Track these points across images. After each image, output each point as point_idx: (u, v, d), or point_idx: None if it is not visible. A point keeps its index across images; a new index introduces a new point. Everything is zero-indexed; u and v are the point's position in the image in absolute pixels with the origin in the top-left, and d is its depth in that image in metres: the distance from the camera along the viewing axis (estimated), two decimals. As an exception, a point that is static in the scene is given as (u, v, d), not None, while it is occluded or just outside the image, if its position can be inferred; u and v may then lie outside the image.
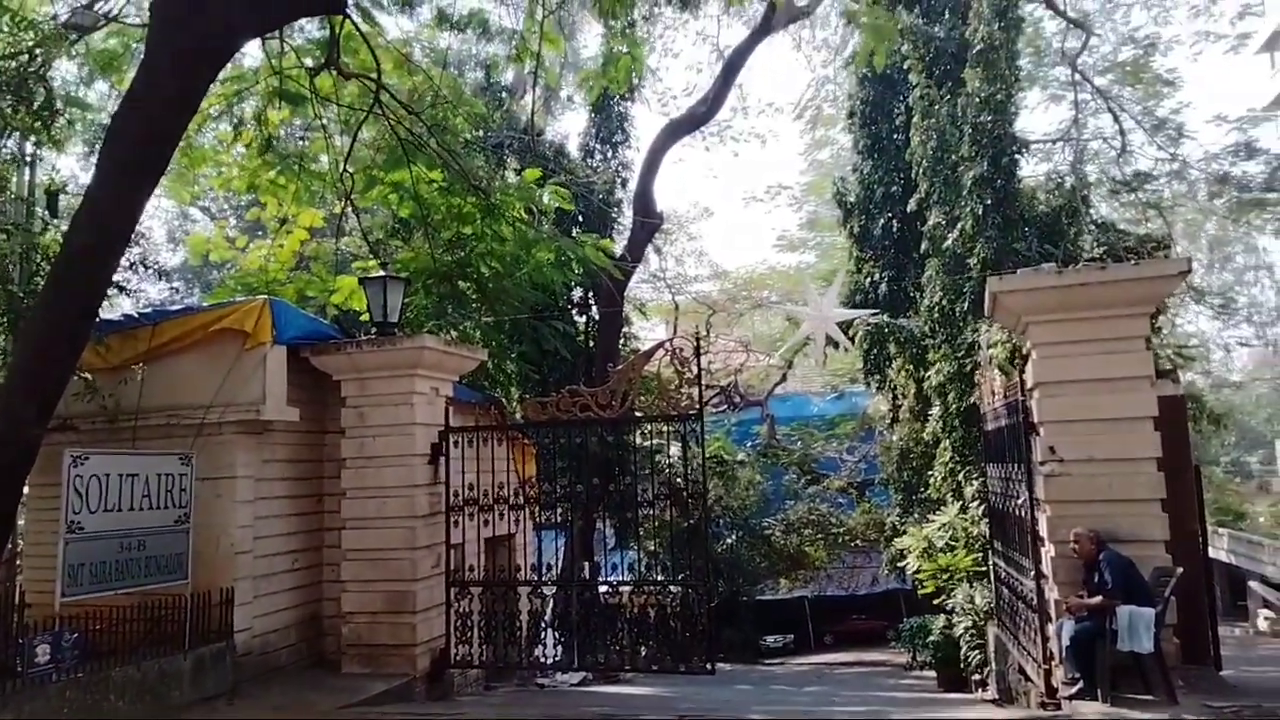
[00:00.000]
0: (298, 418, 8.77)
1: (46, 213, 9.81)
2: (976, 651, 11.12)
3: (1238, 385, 34.42)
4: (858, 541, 24.75)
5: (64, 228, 9.69)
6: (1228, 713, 5.70)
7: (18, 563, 9.99)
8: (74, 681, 6.53)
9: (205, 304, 9.69)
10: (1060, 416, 6.85)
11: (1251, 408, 37.07)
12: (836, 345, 13.02)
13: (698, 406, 8.54)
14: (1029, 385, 7.18)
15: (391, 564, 8.63)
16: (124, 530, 7.26)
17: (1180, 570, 6.24)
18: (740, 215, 68.04)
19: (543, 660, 9.11)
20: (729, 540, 22.91)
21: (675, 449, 9.85)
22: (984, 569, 11.75)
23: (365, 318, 11.35)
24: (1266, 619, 20.36)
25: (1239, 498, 30.69)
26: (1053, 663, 6.74)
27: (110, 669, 6.78)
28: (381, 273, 10.03)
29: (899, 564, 17.42)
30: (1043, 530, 6.99)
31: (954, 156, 13.92)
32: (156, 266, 10.21)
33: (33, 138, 9.48)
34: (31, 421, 6.96)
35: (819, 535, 24.78)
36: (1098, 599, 6.13)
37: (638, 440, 10.50)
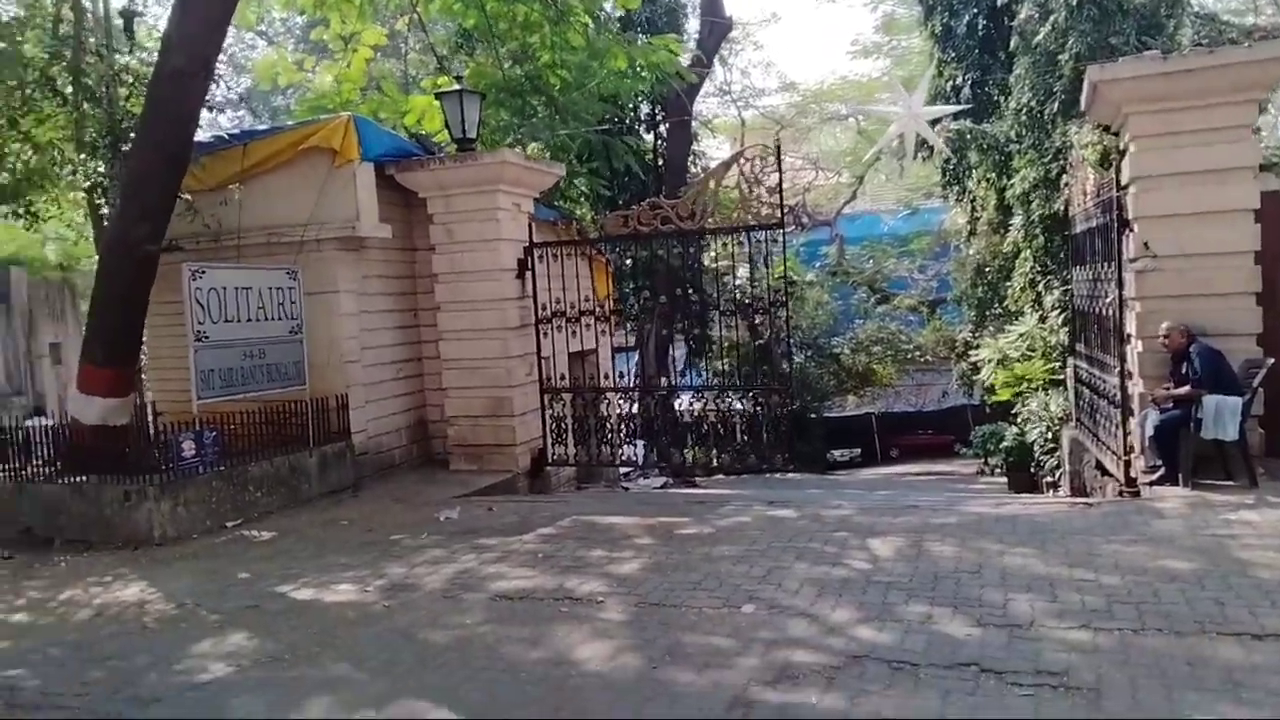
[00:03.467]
0: (390, 234, 9.07)
1: (125, 35, 9.92)
2: (1049, 455, 11.43)
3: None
4: (927, 358, 24.92)
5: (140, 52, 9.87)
6: (1307, 493, 5.89)
7: (143, 375, 10.83)
8: (218, 474, 7.26)
9: (291, 124, 9.82)
10: (1156, 211, 6.71)
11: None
12: (927, 145, 12.63)
13: (779, 216, 8.54)
14: (1125, 180, 7.00)
15: (488, 372, 9.12)
16: (244, 339, 7.79)
17: (1271, 361, 6.28)
18: (810, 19, 63.96)
19: (635, 460, 9.65)
20: (798, 360, 23.26)
21: (746, 270, 9.89)
22: (1060, 378, 11.85)
23: (440, 137, 11.40)
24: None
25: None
26: (1133, 454, 6.95)
27: (248, 463, 7.49)
28: (457, 87, 9.97)
29: (971, 377, 17.60)
30: (1130, 327, 7.02)
31: (1049, -58, 12.85)
32: (235, 91, 10.34)
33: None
34: (145, 239, 7.39)
35: (888, 353, 24.99)
36: (1185, 389, 6.23)
37: (713, 254, 10.58)
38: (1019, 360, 12.88)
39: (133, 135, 8.24)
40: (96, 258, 9.45)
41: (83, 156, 9.11)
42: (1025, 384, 12.74)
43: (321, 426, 8.20)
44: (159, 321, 9.07)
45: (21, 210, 10.24)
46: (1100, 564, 4.79)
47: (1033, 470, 12.09)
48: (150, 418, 7.74)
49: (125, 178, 7.92)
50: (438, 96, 10.41)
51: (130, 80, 9.10)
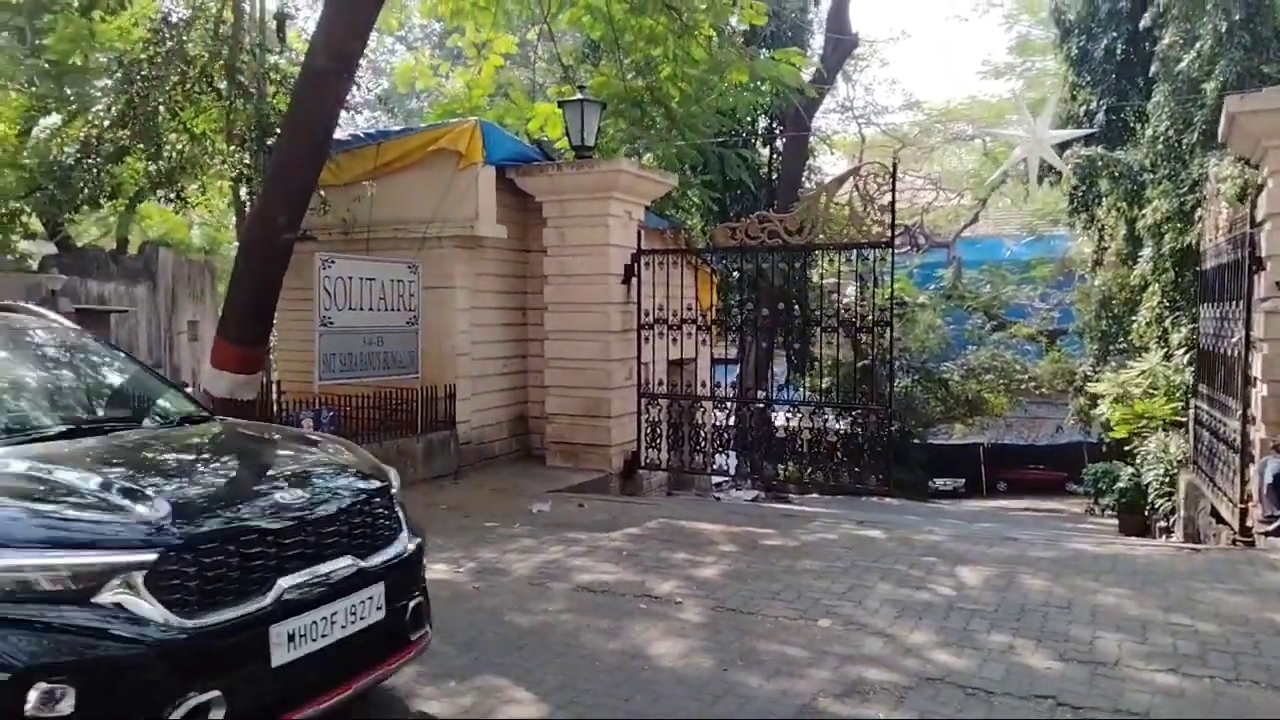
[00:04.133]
0: (505, 235, 9.44)
1: (277, 36, 10.64)
2: (1165, 499, 10.88)
3: None
4: (1043, 391, 23.95)
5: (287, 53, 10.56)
6: None
7: (271, 355, 11.56)
8: (332, 451, 7.70)
9: (422, 125, 10.33)
10: (1293, 250, 6.37)
11: None
12: (1052, 171, 12.23)
13: (889, 235, 8.47)
14: (1260, 217, 6.67)
15: (589, 373, 9.36)
16: (365, 327, 8.26)
17: None
18: (940, 38, 62.56)
19: (726, 470, 9.72)
20: (904, 382, 22.76)
21: (855, 291, 9.81)
22: (1182, 419, 11.27)
23: (561, 144, 11.76)
24: None
25: None
26: (1249, 502, 6.60)
27: (361, 443, 7.90)
28: (579, 96, 10.29)
29: (1089, 413, 16.86)
30: (1255, 370, 6.67)
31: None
32: (373, 92, 10.94)
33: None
34: (284, 227, 7.91)
35: (1001, 382, 24.15)
36: (1311, 438, 5.90)
37: (821, 271, 10.55)
38: (1140, 398, 12.32)
39: (278, 130, 8.85)
40: (236, 243, 10.16)
41: (231, 148, 9.81)
42: (1145, 423, 12.17)
43: (430, 414, 8.60)
44: (288, 306, 9.64)
45: (173, 195, 11.09)
46: (1199, 610, 4.60)
47: (1146, 514, 11.53)
48: (275, 395, 8.27)
49: (269, 169, 8.51)
50: (560, 104, 10.76)
51: (279, 78, 9.75)
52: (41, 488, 2.84)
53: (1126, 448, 12.58)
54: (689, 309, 9.54)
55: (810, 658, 4.07)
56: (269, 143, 9.24)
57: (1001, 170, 17.56)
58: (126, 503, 2.82)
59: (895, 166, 8.61)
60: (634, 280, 9.50)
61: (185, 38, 9.70)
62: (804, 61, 14.34)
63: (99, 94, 10.86)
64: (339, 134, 9.62)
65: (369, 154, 9.42)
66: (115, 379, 4.34)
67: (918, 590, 5.10)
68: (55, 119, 11.72)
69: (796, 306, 12.22)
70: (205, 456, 3.73)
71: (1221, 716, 3.46)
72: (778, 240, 8.89)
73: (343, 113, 8.82)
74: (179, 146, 10.26)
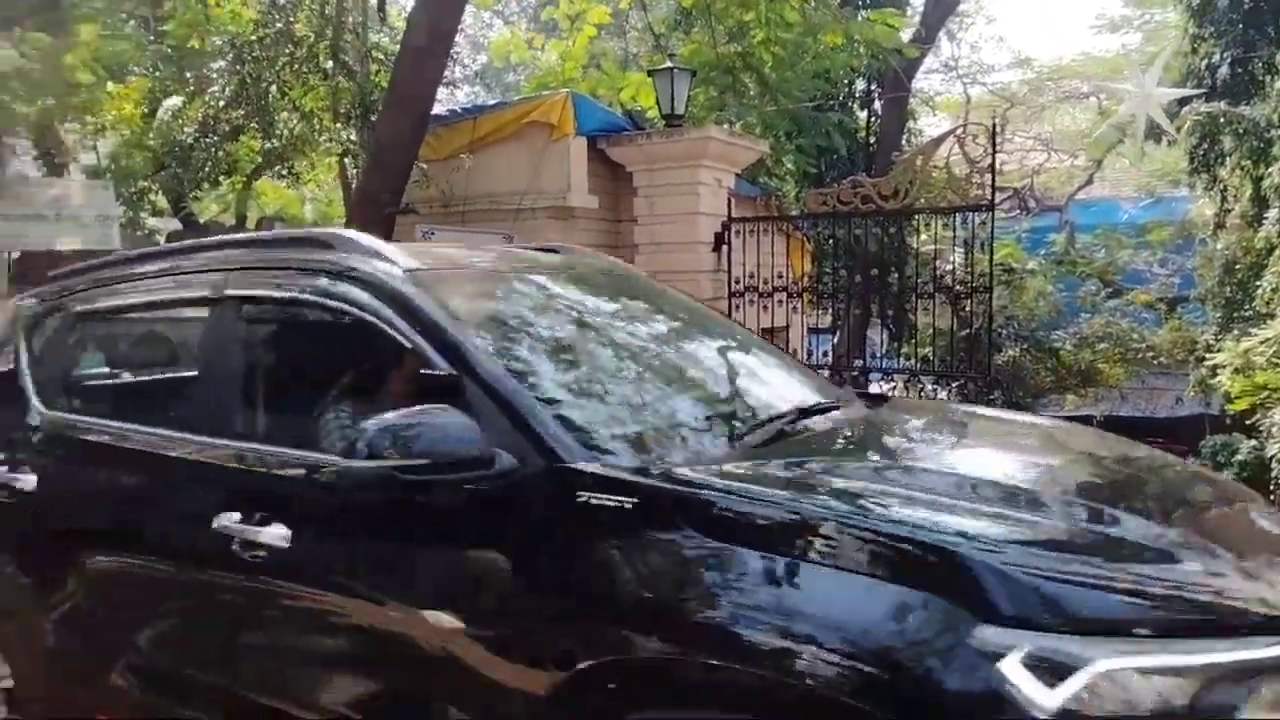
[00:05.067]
0: (596, 205, 9.58)
1: (379, 15, 11.02)
2: (1288, 475, 10.31)
3: None
4: (1161, 360, 22.78)
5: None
6: None
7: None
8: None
9: (515, 99, 10.55)
10: None
11: None
12: (1160, 133, 11.61)
13: (989, 198, 8.22)
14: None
15: (679, 341, 9.42)
16: (461, 296, 8.54)
17: None
18: (1053, -8, 59.21)
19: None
20: (1012, 352, 21.98)
21: (956, 256, 9.53)
22: (1311, 389, 10.63)
23: (653, 113, 11.79)
24: None
25: None
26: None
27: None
28: (669, 64, 10.29)
29: (1210, 382, 16.01)
30: (1389, 336, 6.25)
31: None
32: (473, 66, 11.21)
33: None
34: (388, 201, 8.27)
35: (1116, 351, 23.09)
36: None
37: (919, 236, 10.30)
38: (1264, 368, 11.64)
39: (380, 107, 9.19)
40: (344, 217, 10.63)
41: (338, 125, 10.25)
42: (1268, 394, 11.51)
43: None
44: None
45: (286, 172, 11.67)
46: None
47: (1271, 490, 10.96)
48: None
49: (373, 144, 8.87)
50: (650, 74, 10.79)
51: (381, 57, 10.12)
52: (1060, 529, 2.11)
53: (1249, 420, 11.93)
54: (780, 276, 9.49)
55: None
56: (372, 119, 9.61)
57: (1107, 126, 16.65)
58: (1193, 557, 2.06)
59: (995, 126, 8.35)
60: (724, 248, 9.50)
61: (292, 18, 10.15)
62: (902, 22, 13.89)
63: (215, 75, 11.49)
64: (437, 109, 9.93)
65: (465, 128, 9.67)
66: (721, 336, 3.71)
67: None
68: (176, 101, 12.47)
69: (893, 273, 11.92)
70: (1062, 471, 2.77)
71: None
72: (871, 205, 8.74)
73: (441, 88, 9.10)
74: (290, 125, 10.77)
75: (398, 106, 8.26)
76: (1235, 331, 14.59)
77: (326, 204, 18.29)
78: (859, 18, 13.26)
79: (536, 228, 9.32)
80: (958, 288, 8.63)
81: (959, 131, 8.50)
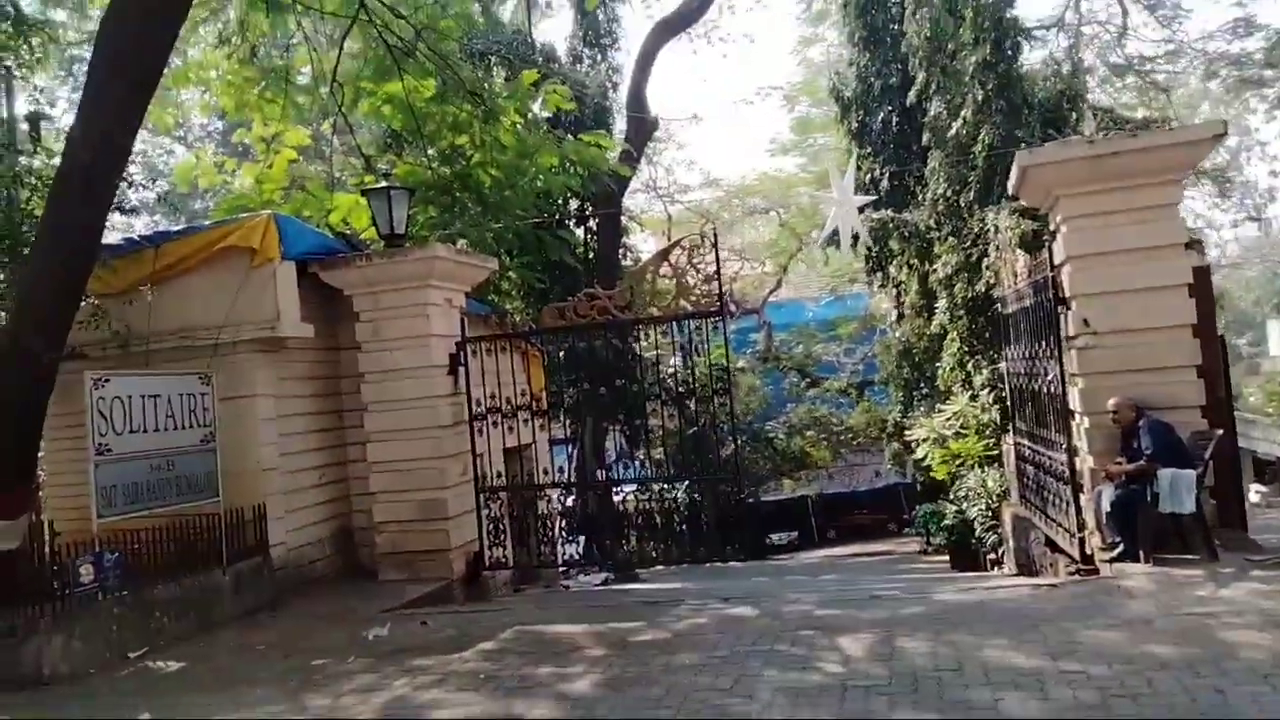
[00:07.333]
0: (312, 334, 8.65)
1: (31, 136, 9.49)
2: (990, 532, 11.39)
3: (1235, 265, 34.60)
4: (858, 440, 25.11)
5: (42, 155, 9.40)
6: (1269, 564, 5.81)
7: (40, 493, 9.98)
8: (119, 599, 6.56)
9: (207, 224, 9.42)
10: (1093, 289, 6.80)
11: (1240, 290, 37.32)
12: (857, 238, 12.83)
13: (718, 303, 8.45)
14: (1059, 260, 7.10)
15: (420, 473, 8.63)
16: (152, 451, 7.19)
17: (1219, 432, 6.30)
18: (730, 120, 66.55)
19: (577, 558, 9.21)
20: (733, 446, 23.08)
21: (678, 361, 9.76)
22: (995, 454, 11.93)
23: (367, 234, 11.10)
24: (1257, 493, 20.88)
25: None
26: (1086, 531, 6.84)
27: (154, 586, 6.81)
28: (384, 183, 9.76)
29: (905, 457, 17.62)
30: (1075, 404, 7.01)
31: (953, 44, 13.59)
32: (153, 190, 9.92)
33: (10, 58, 9.08)
34: (42, 350, 6.81)
35: (821, 436, 25.11)
36: (1140, 463, 6.18)
37: (647, 344, 10.41)
38: (953, 438, 12.96)
39: (32, 239, 7.72)
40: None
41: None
42: (961, 461, 12.80)
43: (236, 541, 7.56)
44: (58, 434, 8.38)
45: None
46: (1083, 653, 4.55)
47: (974, 547, 12.03)
48: (46, 540, 7.00)
49: (24, 281, 7.36)
50: (364, 193, 10.17)
51: (34, 183, 8.62)
52: None
53: (942, 487, 13.15)
54: (522, 394, 9.08)
55: (713, 773, 3.63)
56: (26, 252, 8.06)
57: (825, 235, 18.29)
58: None
59: (715, 236, 8.67)
60: (461, 370, 8.94)
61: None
62: (612, 144, 14.49)
63: None
64: (113, 237, 8.59)
65: (147, 257, 8.41)
66: None
67: (805, 671, 4.79)
68: None
69: (628, 382, 12.05)
70: None
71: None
72: (608, 316, 8.67)
73: (119, 216, 7.85)
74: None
75: (55, 236, 6.92)
76: (919, 409, 16.33)
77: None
78: (568, 140, 13.60)
79: (241, 364, 8.19)
80: (697, 390, 8.71)
81: (684, 241, 8.72)
